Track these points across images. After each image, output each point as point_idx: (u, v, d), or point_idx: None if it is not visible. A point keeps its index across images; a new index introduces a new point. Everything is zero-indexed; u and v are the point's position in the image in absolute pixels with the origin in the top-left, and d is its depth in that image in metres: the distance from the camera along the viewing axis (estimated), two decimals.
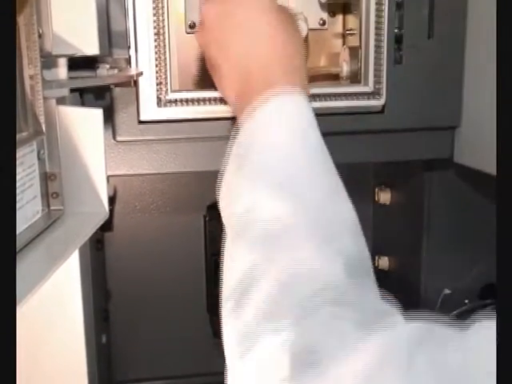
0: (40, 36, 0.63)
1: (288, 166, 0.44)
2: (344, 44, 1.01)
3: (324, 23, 1.02)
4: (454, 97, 0.82)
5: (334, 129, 0.83)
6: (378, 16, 0.82)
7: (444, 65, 0.82)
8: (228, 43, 0.56)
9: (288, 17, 0.58)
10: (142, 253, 1.15)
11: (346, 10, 1.00)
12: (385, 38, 0.82)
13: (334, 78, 1.00)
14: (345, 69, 0.97)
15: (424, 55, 0.82)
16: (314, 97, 0.81)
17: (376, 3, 0.82)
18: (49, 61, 0.66)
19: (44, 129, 0.63)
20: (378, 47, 0.82)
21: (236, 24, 0.56)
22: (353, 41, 0.96)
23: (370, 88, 0.82)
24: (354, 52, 0.92)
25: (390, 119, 0.83)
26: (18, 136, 0.59)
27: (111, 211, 1.11)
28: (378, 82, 0.82)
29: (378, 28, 0.82)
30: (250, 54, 0.54)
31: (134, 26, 0.76)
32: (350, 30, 0.99)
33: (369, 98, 0.82)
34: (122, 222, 1.13)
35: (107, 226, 1.08)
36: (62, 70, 0.67)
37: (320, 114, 0.54)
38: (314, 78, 1.00)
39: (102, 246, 1.10)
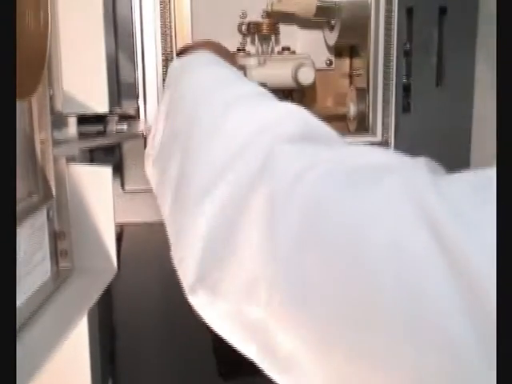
0: (51, 97, 0.63)
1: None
2: (351, 84, 1.02)
3: (331, 63, 1.02)
4: (462, 145, 0.82)
5: None
6: (386, 65, 0.82)
7: (453, 113, 0.81)
8: None
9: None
10: (148, 292, 1.14)
11: (353, 51, 1.00)
12: (393, 87, 0.81)
13: (341, 118, 1.00)
14: (352, 109, 0.97)
15: (432, 103, 0.81)
16: None
17: (384, 52, 0.81)
18: (58, 119, 0.65)
19: (54, 191, 0.62)
20: (385, 96, 0.82)
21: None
22: (360, 81, 0.96)
23: (377, 138, 0.81)
24: (360, 92, 0.93)
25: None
26: (27, 201, 0.59)
27: (118, 251, 1.10)
28: (385, 131, 0.81)
29: (385, 78, 0.81)
30: None
31: (143, 76, 0.76)
32: (357, 70, 0.99)
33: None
34: (128, 261, 1.12)
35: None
36: (71, 128, 0.66)
37: None
38: (321, 119, 1.00)
39: (109, 286, 1.09)
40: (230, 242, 0.38)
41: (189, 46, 0.70)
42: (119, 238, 1.10)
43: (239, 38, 0.99)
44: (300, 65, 0.90)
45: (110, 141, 0.67)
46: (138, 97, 0.76)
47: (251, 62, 0.91)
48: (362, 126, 0.90)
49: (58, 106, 0.64)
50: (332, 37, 0.97)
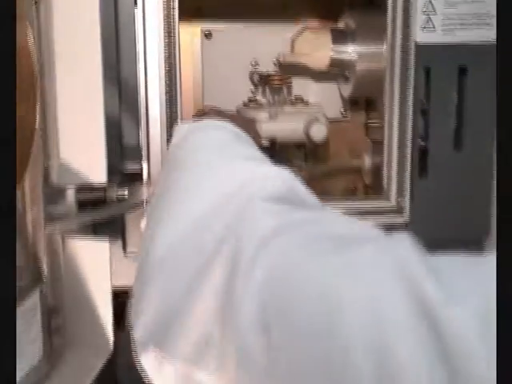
0: (46, 168, 0.60)
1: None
2: (367, 136, 0.97)
3: (346, 114, 0.99)
4: (482, 212, 0.77)
5: None
6: (402, 124, 0.77)
7: (472, 178, 0.77)
8: None
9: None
10: None
11: (369, 101, 0.96)
12: (408, 149, 0.77)
13: (356, 171, 0.96)
14: (367, 162, 0.93)
15: (451, 168, 0.77)
16: None
17: (400, 111, 0.77)
18: (54, 191, 0.62)
19: (46, 270, 0.59)
20: (400, 159, 0.77)
21: None
22: (376, 133, 0.92)
23: (391, 203, 0.77)
24: (376, 145, 0.89)
25: (414, 236, 0.77)
26: (18, 284, 0.56)
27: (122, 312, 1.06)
28: (400, 196, 0.77)
29: (401, 139, 0.77)
30: None
31: (147, 138, 0.72)
32: (373, 121, 0.95)
33: (391, 215, 0.76)
34: None
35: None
36: (69, 200, 0.63)
37: None
38: (335, 171, 0.97)
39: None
40: (187, 302, 0.38)
41: (205, 113, 0.66)
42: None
43: (251, 86, 0.95)
44: (312, 120, 0.86)
45: (109, 214, 0.64)
46: (141, 158, 0.73)
47: (262, 115, 0.87)
48: (377, 179, 0.86)
49: (54, 178, 0.61)
50: (347, 88, 0.93)
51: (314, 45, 0.89)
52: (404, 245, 0.34)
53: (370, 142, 0.94)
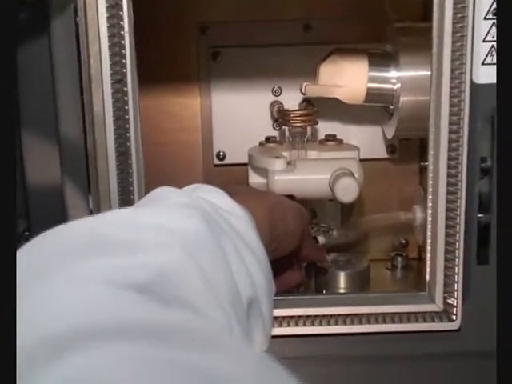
0: None
1: None
2: (420, 182, 0.75)
3: (394, 151, 0.77)
4: None
5: (386, 352, 0.58)
6: (452, 188, 0.55)
7: None
8: None
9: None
10: None
11: (423, 140, 0.73)
12: (461, 227, 0.55)
13: (405, 227, 0.74)
14: (418, 216, 0.70)
15: None
16: (360, 318, 0.57)
17: (449, 172, 0.55)
18: None
19: None
20: (450, 239, 0.55)
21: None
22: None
23: (438, 306, 0.55)
24: None
25: (466, 340, 0.56)
26: None
27: None
28: (449, 292, 0.55)
29: (450, 212, 0.55)
30: None
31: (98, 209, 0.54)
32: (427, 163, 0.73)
33: (437, 319, 0.56)
34: None
35: None
36: None
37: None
38: (377, 228, 0.76)
39: None
40: None
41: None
42: None
43: (270, 120, 0.76)
44: (340, 174, 0.64)
45: None
46: None
47: (275, 164, 0.67)
48: None
49: None
50: (390, 126, 0.70)
51: (346, 72, 0.67)
52: None
53: (423, 191, 0.71)
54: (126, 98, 0.51)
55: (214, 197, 0.41)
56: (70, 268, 0.30)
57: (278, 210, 0.50)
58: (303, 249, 0.55)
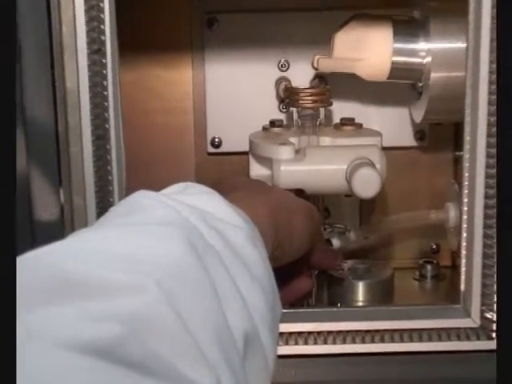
0: None
1: None
2: (454, 177, 0.79)
3: (423, 137, 0.80)
4: None
5: (412, 376, 0.60)
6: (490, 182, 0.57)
7: None
8: None
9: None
10: None
11: (458, 125, 0.76)
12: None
13: (436, 229, 0.77)
14: (452, 215, 0.73)
15: None
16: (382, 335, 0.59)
17: (486, 160, 0.57)
18: None
19: None
20: (488, 243, 0.57)
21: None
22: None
23: (474, 320, 0.58)
24: None
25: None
26: None
27: None
28: (488, 309, 0.57)
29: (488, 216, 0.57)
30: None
31: (71, 206, 0.57)
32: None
33: (473, 337, 0.58)
34: None
35: None
36: None
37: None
38: (406, 230, 0.80)
39: None
40: None
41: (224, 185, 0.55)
42: None
43: (276, 101, 0.79)
44: (358, 164, 0.66)
45: None
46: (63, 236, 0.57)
47: (282, 154, 0.68)
48: None
49: None
50: (419, 108, 0.73)
51: (366, 43, 0.70)
52: None
53: (458, 185, 0.73)
54: (104, 72, 0.53)
55: (205, 201, 0.42)
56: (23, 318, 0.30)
57: (283, 210, 0.51)
58: (314, 254, 0.57)
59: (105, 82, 0.53)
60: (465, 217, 0.59)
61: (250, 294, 0.39)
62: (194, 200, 0.42)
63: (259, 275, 0.41)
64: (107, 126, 0.54)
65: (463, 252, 0.59)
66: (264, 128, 0.75)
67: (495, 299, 0.57)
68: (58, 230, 0.57)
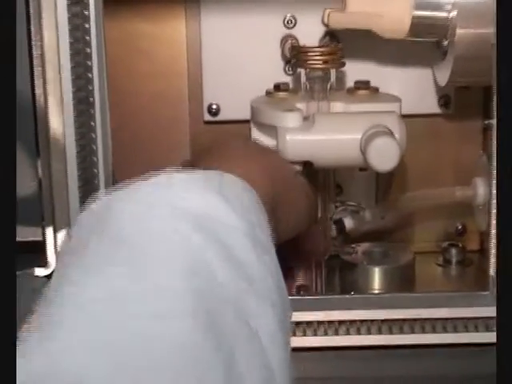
0: None
1: None
2: (483, 148, 0.79)
3: (448, 103, 0.81)
4: None
5: (435, 371, 0.61)
6: None
7: None
8: None
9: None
10: None
11: (487, 89, 0.75)
12: None
13: (462, 208, 0.79)
14: (480, 192, 0.75)
15: None
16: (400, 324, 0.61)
17: None
18: None
19: None
20: None
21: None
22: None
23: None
24: None
25: None
26: None
27: None
28: None
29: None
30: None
31: (50, 188, 0.60)
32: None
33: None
34: None
35: None
36: None
37: None
38: (428, 208, 0.81)
39: None
40: None
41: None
42: None
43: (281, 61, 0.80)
44: (374, 133, 0.66)
45: None
46: (43, 220, 0.62)
47: (289, 122, 0.69)
48: None
49: None
50: (443, 70, 0.74)
51: None
52: None
53: (487, 157, 0.75)
54: (86, 26, 0.53)
55: (199, 197, 0.43)
56: None
57: (281, 186, 0.55)
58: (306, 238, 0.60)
59: (87, 37, 0.54)
60: (495, 193, 0.60)
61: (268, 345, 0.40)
62: (184, 200, 0.43)
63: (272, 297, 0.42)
64: (90, 87, 0.55)
65: (493, 231, 0.60)
66: (268, 92, 0.75)
67: None
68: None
